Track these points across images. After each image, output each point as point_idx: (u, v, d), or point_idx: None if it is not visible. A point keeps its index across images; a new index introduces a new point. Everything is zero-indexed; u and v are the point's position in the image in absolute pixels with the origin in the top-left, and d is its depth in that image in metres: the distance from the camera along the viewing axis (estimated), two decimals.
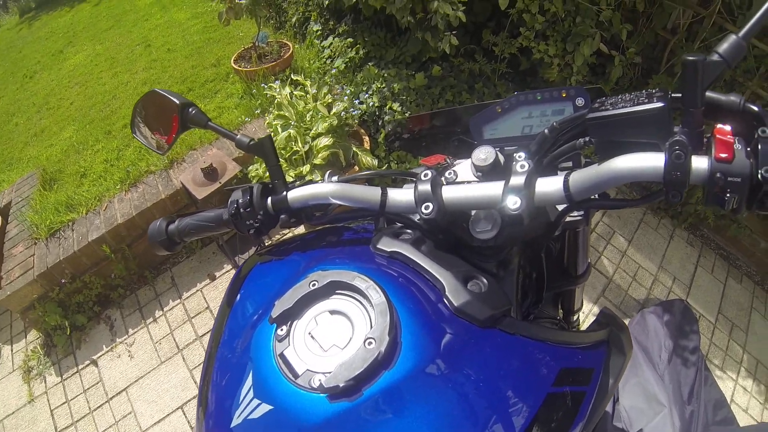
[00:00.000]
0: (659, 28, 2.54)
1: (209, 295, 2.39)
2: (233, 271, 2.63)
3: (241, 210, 0.63)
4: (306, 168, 2.28)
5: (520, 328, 0.52)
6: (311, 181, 0.67)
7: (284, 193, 0.64)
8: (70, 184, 2.73)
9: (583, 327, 0.98)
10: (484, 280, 0.55)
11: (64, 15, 6.55)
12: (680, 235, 2.68)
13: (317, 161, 2.28)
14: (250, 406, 0.46)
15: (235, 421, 0.47)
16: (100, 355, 2.26)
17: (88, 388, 2.15)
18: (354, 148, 2.30)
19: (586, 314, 2.17)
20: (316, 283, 0.51)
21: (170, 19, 4.65)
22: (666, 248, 2.59)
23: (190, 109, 0.71)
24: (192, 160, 2.62)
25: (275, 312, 0.50)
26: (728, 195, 0.41)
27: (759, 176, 0.40)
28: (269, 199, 0.65)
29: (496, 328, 0.51)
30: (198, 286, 2.42)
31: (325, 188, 0.62)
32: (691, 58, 0.42)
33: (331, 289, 0.51)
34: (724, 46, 0.45)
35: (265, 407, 0.46)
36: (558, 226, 0.64)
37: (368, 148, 2.34)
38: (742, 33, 0.45)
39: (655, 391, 1.78)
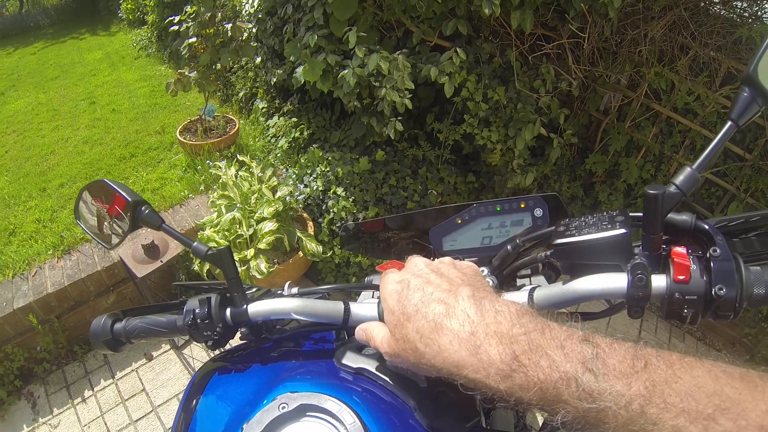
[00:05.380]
0: (592, 110, 2.70)
1: (145, 376, 2.23)
2: (171, 353, 2.50)
3: (198, 321, 0.61)
4: (251, 252, 2.24)
5: None
6: (270, 291, 0.68)
7: (244, 306, 0.62)
8: None
9: None
10: (451, 395, 0.55)
11: (11, 55, 6.33)
12: None
13: (262, 246, 2.25)
14: None
15: None
16: None
17: None
18: (298, 233, 2.27)
19: None
20: (285, 405, 0.50)
21: (118, 78, 4.55)
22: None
23: (143, 208, 0.68)
24: (133, 233, 2.52)
25: None
26: (686, 310, 0.45)
27: (713, 293, 0.43)
28: (228, 311, 0.63)
29: None
30: (133, 365, 2.29)
31: (288, 304, 0.60)
32: (652, 192, 0.46)
33: (301, 411, 0.51)
34: (680, 178, 0.49)
35: None
36: None
37: (312, 233, 2.30)
38: (695, 165, 0.49)
39: None
